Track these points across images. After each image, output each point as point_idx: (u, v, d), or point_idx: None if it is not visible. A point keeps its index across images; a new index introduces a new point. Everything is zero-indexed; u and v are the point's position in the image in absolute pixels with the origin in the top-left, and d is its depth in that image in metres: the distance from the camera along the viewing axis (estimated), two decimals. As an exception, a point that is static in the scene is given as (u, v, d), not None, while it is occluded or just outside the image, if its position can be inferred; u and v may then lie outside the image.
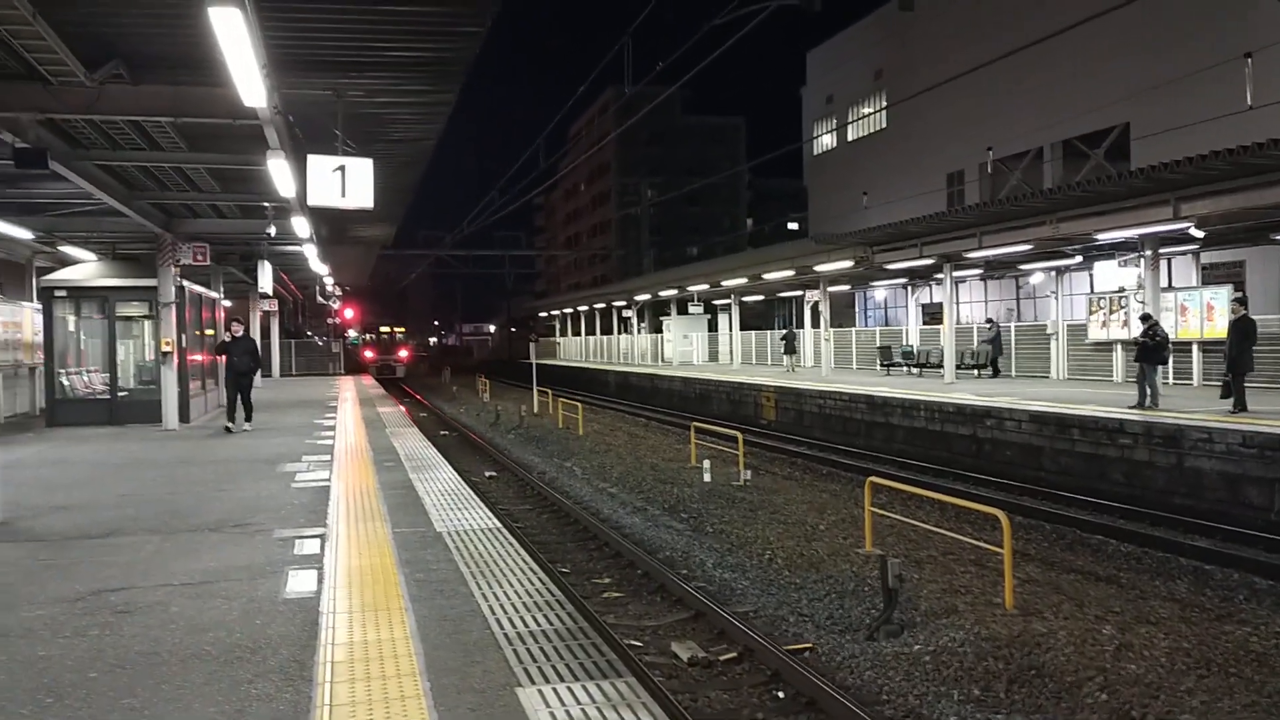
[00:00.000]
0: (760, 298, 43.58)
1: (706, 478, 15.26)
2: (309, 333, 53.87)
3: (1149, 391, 15.37)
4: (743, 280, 34.11)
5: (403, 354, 58.24)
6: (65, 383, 18.17)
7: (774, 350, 37.29)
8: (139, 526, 8.34)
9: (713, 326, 45.56)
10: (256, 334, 33.32)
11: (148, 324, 19.21)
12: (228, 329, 17.62)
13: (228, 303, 28.41)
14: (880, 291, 40.58)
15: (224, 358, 17.23)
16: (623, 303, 50.37)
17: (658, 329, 48.30)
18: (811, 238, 32.89)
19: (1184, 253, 22.47)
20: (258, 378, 19.10)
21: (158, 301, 17.36)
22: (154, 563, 7.01)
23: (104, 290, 18.19)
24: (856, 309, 44.38)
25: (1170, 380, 19.76)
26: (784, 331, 35.20)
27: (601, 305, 55.56)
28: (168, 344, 16.97)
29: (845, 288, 37.61)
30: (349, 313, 62.70)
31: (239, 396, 16.65)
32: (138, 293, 18.39)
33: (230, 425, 16.52)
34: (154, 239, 17.74)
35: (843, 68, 49.70)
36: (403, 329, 60.87)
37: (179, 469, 12.05)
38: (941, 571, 9.54)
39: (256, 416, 17.05)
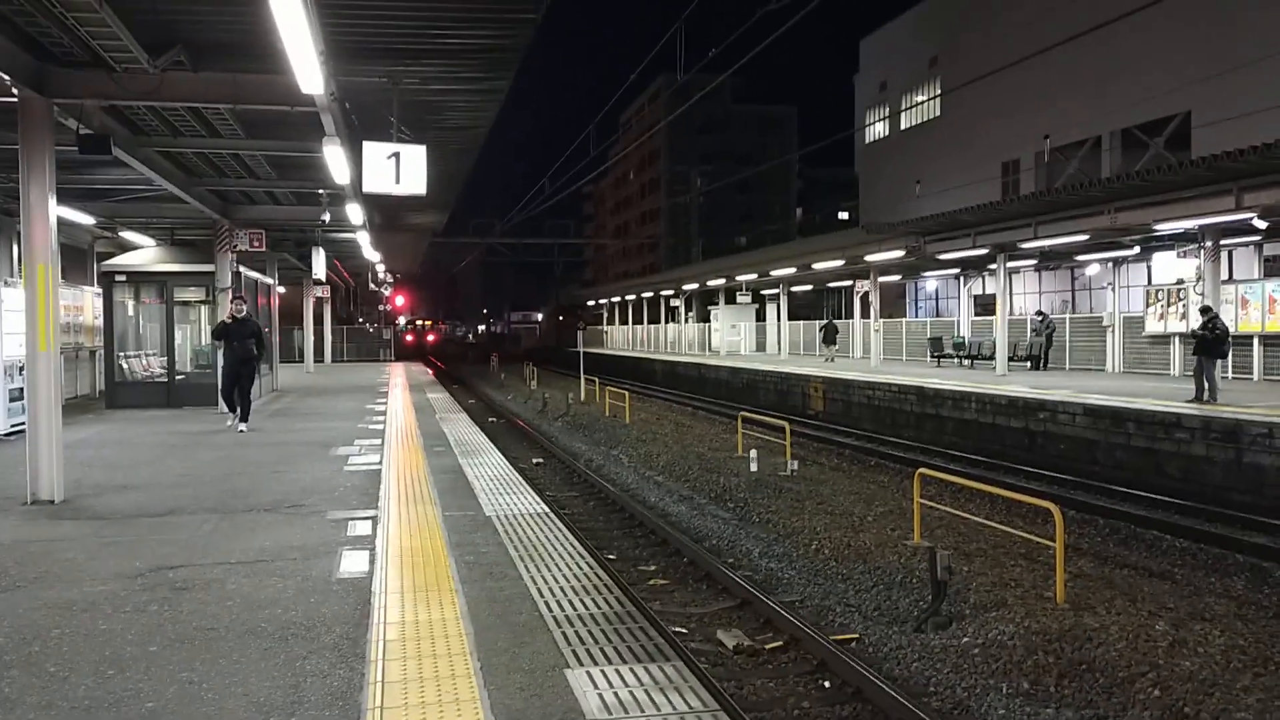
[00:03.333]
0: (809, 288, 43.31)
1: (753, 467, 15.22)
2: (360, 319, 54.54)
3: (1207, 385, 15.07)
4: (791, 270, 33.92)
5: (430, 337, 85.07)
6: (124, 366, 18.57)
7: (810, 340, 37.29)
8: (197, 506, 8.53)
9: (761, 316, 45.38)
10: (309, 319, 33.78)
11: (205, 309, 19.57)
12: (229, 308, 15.22)
13: (282, 289, 28.85)
14: (931, 282, 40.15)
15: (222, 344, 14.90)
16: (671, 292, 50.32)
17: (705, 318, 48.21)
18: (862, 227, 32.63)
19: (1246, 244, 21.95)
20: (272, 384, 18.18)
21: (215, 287, 17.67)
22: (212, 541, 7.17)
23: (162, 275, 18.56)
24: (907, 299, 43.96)
25: (1230, 375, 19.34)
26: (824, 322, 35.53)
27: (649, 294, 55.54)
28: (224, 328, 17.24)
29: (896, 278, 37.28)
30: (400, 300, 65.08)
31: (236, 390, 14.54)
32: (195, 278, 18.73)
33: (231, 421, 14.68)
34: (211, 225, 18.05)
35: (896, 55, 49.15)
36: (430, 321, 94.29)
37: (235, 451, 12.28)
38: (991, 565, 9.44)
39: (308, 402, 17.10)
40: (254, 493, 9.20)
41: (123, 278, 18.48)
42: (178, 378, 18.61)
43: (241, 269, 18.75)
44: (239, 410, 14.53)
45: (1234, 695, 6.07)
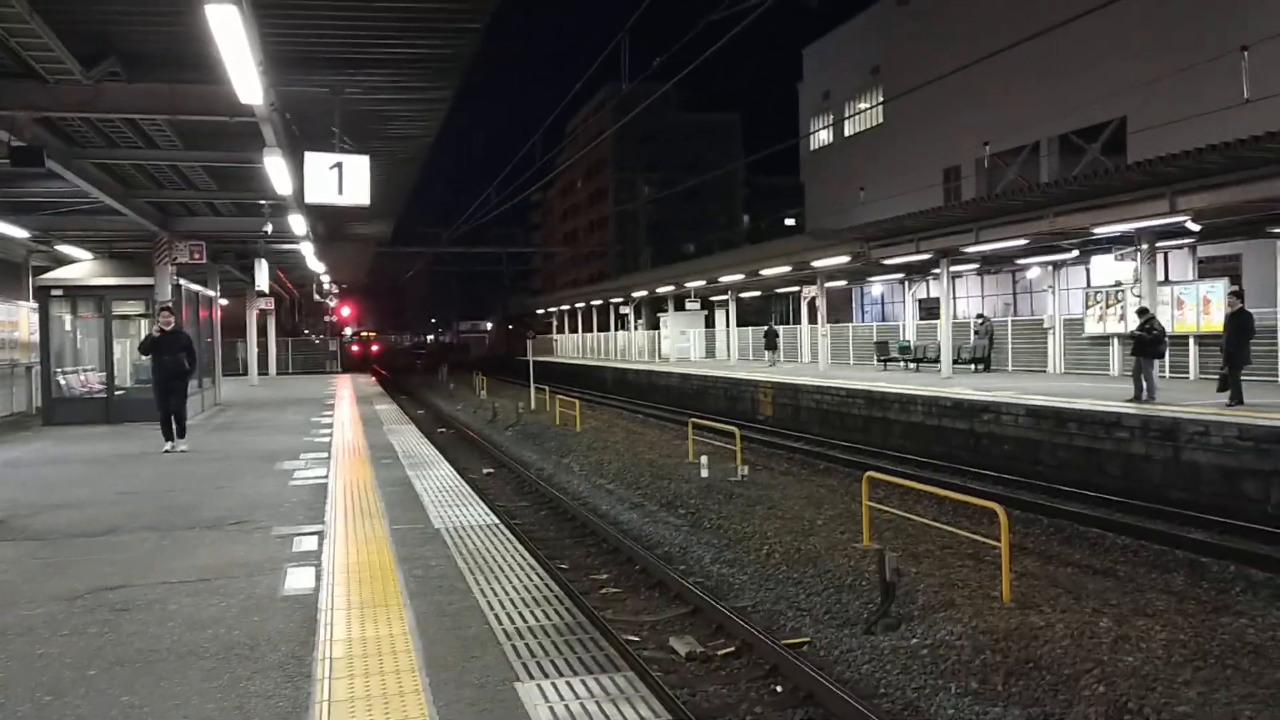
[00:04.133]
0: (757, 294, 43.61)
1: (704, 473, 15.26)
2: (306, 331, 53.91)
3: (1146, 385, 15.38)
4: (739, 276, 34.11)
5: (374, 348, 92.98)
6: (62, 381, 18.16)
7: (758, 346, 37.79)
8: (137, 524, 8.35)
9: (710, 323, 45.58)
10: (252, 332, 33.28)
11: (144, 322, 19.20)
12: (157, 320, 13.90)
13: (225, 301, 28.42)
14: (877, 287, 40.58)
15: (151, 358, 13.72)
16: (620, 299, 50.35)
17: (655, 325, 48.32)
18: (808, 233, 32.98)
19: (1180, 246, 22.49)
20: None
21: (154, 300, 17.34)
22: (152, 560, 7.02)
23: (100, 289, 18.18)
24: (853, 304, 44.39)
25: (1167, 374, 19.77)
26: (765, 328, 36.61)
27: (599, 302, 55.54)
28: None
29: (842, 283, 37.64)
30: (346, 310, 64.55)
31: (170, 406, 13.49)
32: (134, 291, 18.37)
33: (168, 446, 13.44)
34: (150, 237, 17.74)
35: (839, 63, 49.68)
36: (374, 333, 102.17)
37: (176, 466, 12.05)
38: (939, 565, 9.55)
39: (251, 415, 16.75)
40: (196, 509, 9.02)
41: (59, 292, 18.08)
42: (117, 393, 18.22)
43: (182, 281, 18.42)
44: (175, 428, 13.60)
45: (1175, 689, 6.19)
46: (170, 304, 15.05)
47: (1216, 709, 5.90)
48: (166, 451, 13.31)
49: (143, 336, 18.77)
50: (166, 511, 8.94)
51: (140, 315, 19.25)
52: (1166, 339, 16.35)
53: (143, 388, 18.50)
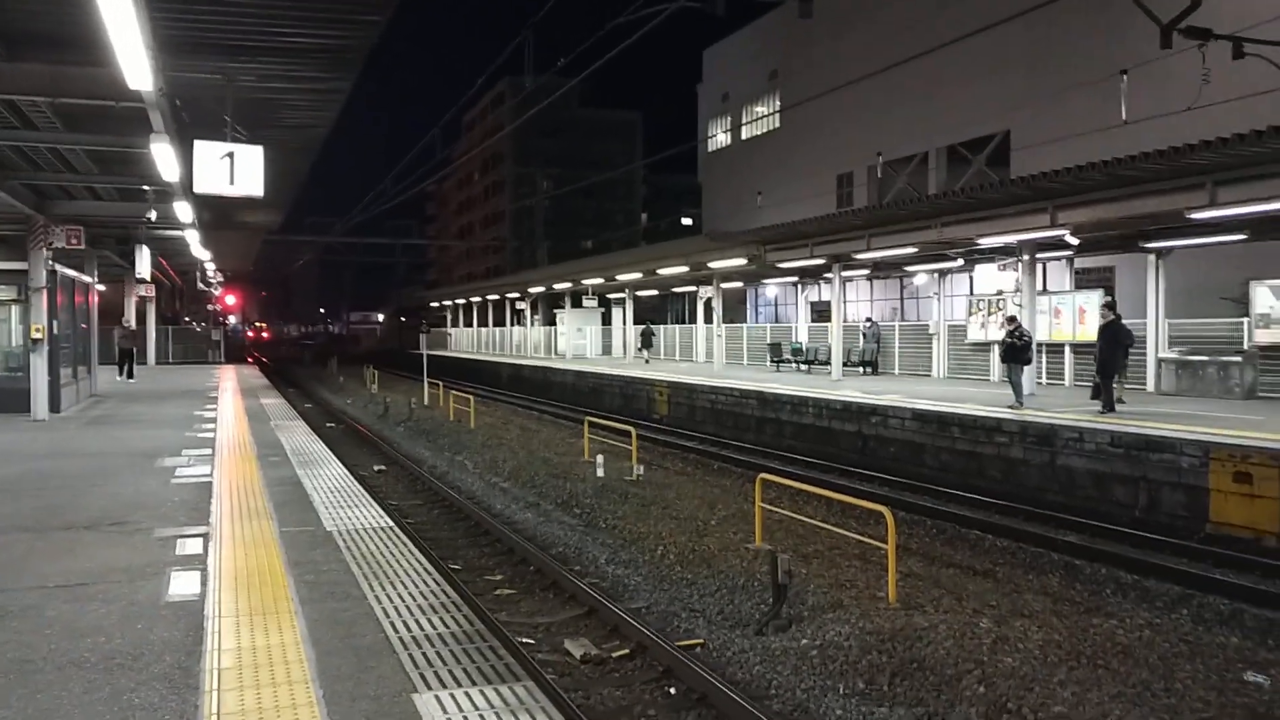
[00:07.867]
0: (654, 292, 43.84)
1: (600, 473, 15.29)
2: (187, 319, 52.13)
3: (1014, 390, 16.03)
4: (637, 275, 34.23)
5: (265, 335, 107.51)
6: (-75, 370, 17.20)
7: (666, 344, 38.10)
8: (9, 524, 7.98)
9: (606, 320, 45.65)
10: (131, 319, 31.96)
11: (16, 309, 18.31)
12: None
13: (102, 287, 27.26)
14: (772, 289, 41.19)
15: None
16: (516, 294, 50.01)
17: (551, 321, 48.17)
18: (706, 235, 33.29)
19: (1059, 258, 23.39)
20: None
21: (28, 286, 16.59)
22: (26, 563, 6.72)
23: (-31, 273, 17.28)
24: (748, 305, 44.96)
25: (1043, 380, 20.57)
26: (642, 326, 37.97)
27: (495, 296, 55.07)
28: (38, 330, 16.22)
29: (738, 284, 38.10)
30: (230, 299, 62.55)
31: None
32: (6, 276, 17.51)
33: None
34: (25, 220, 16.89)
35: (738, 67, 50.20)
36: (264, 324, 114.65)
37: (51, 462, 11.54)
38: (828, 566, 9.77)
39: (130, 408, 16.04)
40: (72, 508, 8.66)
41: (-77, 275, 17.14)
42: (-15, 383, 17.35)
43: (57, 267, 17.63)
44: None
45: (1051, 689, 6.46)
46: None
47: (1089, 709, 6.18)
48: None
49: (14, 323, 17.97)
50: (40, 511, 8.56)
51: (13, 301, 18.34)
52: (1033, 346, 17.03)
53: (13, 376, 17.69)
